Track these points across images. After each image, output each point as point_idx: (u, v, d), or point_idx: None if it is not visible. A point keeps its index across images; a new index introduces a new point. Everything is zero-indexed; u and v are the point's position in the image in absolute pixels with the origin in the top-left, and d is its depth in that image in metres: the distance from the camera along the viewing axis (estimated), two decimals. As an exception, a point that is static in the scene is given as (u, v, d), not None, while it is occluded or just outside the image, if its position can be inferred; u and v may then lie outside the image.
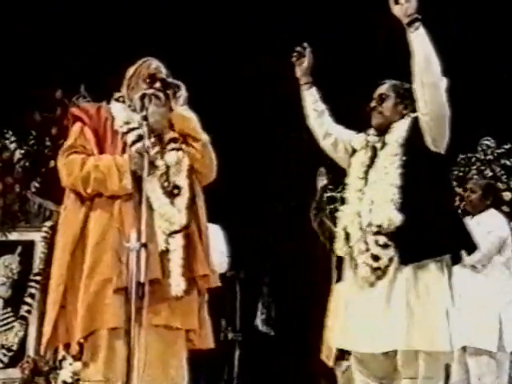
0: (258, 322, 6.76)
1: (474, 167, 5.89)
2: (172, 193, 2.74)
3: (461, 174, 5.84)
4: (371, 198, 3.01)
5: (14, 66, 5.78)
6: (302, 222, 5.01)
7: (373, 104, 3.19)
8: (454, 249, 3.01)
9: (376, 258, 2.94)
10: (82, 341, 2.69)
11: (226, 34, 5.95)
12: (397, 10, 2.94)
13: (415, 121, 3.06)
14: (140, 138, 2.72)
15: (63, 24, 5.90)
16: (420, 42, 2.92)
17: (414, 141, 3.02)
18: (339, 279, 3.35)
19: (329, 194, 4.82)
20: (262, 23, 5.95)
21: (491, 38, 5.82)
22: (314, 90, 3.33)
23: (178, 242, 2.71)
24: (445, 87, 2.99)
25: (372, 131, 3.21)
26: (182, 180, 2.79)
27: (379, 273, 2.94)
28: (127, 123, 2.81)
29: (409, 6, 2.91)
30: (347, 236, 3.07)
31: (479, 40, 5.85)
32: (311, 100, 3.31)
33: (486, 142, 5.98)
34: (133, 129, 2.79)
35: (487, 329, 4.34)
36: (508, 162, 5.88)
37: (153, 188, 2.71)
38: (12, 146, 5.59)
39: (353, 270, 3.06)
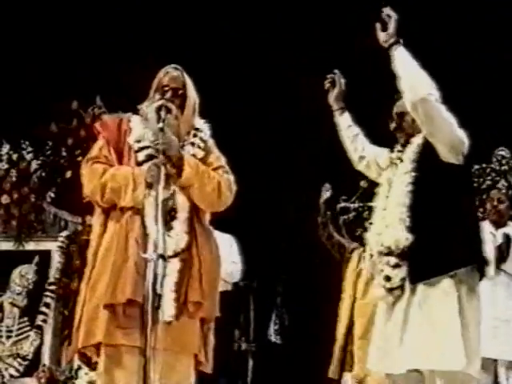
0: (271, 332, 6.75)
1: (489, 178, 5.86)
2: (170, 215, 2.69)
3: (475, 184, 5.82)
4: (385, 218, 3.02)
5: (31, 77, 5.83)
6: (315, 233, 5.01)
7: (393, 125, 3.16)
8: (464, 264, 2.95)
9: (388, 278, 2.93)
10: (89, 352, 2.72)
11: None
12: (380, 36, 2.99)
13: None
14: (150, 157, 2.74)
15: (79, 35, 5.96)
16: (401, 62, 2.94)
17: (427, 155, 2.99)
18: None
19: (342, 205, 4.82)
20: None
21: (506, 47, 5.81)
22: (346, 114, 3.35)
23: (173, 267, 2.66)
24: (437, 98, 2.95)
25: (397, 147, 3.17)
26: (181, 201, 2.74)
27: (396, 293, 2.93)
28: (138, 141, 2.82)
29: (389, 31, 2.96)
30: (371, 257, 3.06)
31: (493, 49, 5.84)
32: (345, 126, 3.34)
33: (501, 153, 5.95)
34: (143, 148, 2.80)
35: None
36: (523, 173, 5.86)
37: (148, 212, 2.69)
38: (28, 157, 5.64)
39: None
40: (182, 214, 2.74)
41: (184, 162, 2.75)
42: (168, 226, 2.67)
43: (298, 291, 6.63)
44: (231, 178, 2.90)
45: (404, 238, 2.91)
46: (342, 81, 3.35)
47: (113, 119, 2.97)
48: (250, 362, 5.63)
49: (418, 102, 2.90)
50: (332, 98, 3.37)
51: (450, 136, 2.95)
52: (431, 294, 2.89)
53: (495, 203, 4.56)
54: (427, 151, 2.99)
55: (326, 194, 4.62)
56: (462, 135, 3.00)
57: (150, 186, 2.69)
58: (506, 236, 4.42)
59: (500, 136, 5.82)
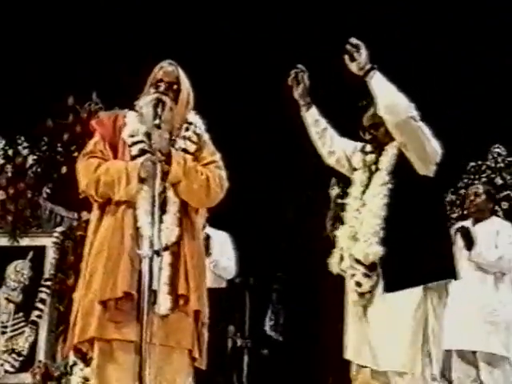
0: (267, 328, 6.76)
1: (484, 175, 5.87)
2: (160, 210, 2.67)
3: (471, 181, 5.83)
4: (357, 229, 3.06)
5: (27, 73, 5.82)
6: (312, 229, 5.01)
7: (368, 137, 3.18)
8: (436, 277, 3.04)
9: (359, 284, 3.04)
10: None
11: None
12: (352, 67, 3.01)
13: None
14: (142, 152, 2.75)
15: (76, 31, 5.95)
16: (379, 88, 2.97)
17: (402, 167, 3.04)
18: None
19: (340, 201, 4.82)
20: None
21: (503, 45, 5.82)
22: (313, 109, 3.33)
23: (165, 260, 2.66)
24: (417, 117, 3.00)
25: (369, 148, 3.21)
26: (171, 196, 2.75)
27: (367, 297, 3.03)
28: (132, 136, 2.83)
29: (360, 60, 2.97)
30: (341, 258, 3.12)
31: (488, 49, 5.85)
32: (311, 121, 3.32)
33: (497, 150, 5.96)
34: (136, 142, 2.80)
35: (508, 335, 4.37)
36: (519, 170, 5.87)
37: (140, 206, 2.70)
38: (24, 152, 5.63)
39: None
40: (173, 207, 2.75)
41: (171, 159, 2.75)
42: (158, 219, 2.66)
43: (294, 288, 6.64)
44: (223, 173, 2.89)
45: (375, 251, 2.98)
46: (306, 76, 3.30)
47: (108, 116, 2.97)
48: (246, 358, 5.64)
49: (401, 123, 2.97)
50: (297, 93, 3.32)
51: (428, 150, 3.02)
52: (399, 303, 2.97)
53: (472, 197, 4.59)
54: (402, 163, 3.05)
55: (335, 188, 4.61)
56: (437, 147, 3.07)
57: (142, 180, 2.70)
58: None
59: (496, 133, 5.83)
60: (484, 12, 5.82)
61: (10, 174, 5.57)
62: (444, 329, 3.04)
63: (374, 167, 3.13)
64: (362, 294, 3.04)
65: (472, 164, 5.92)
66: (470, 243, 4.35)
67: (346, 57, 3.00)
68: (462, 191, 5.53)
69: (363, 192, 3.12)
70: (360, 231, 3.04)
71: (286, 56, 5.73)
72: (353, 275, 3.06)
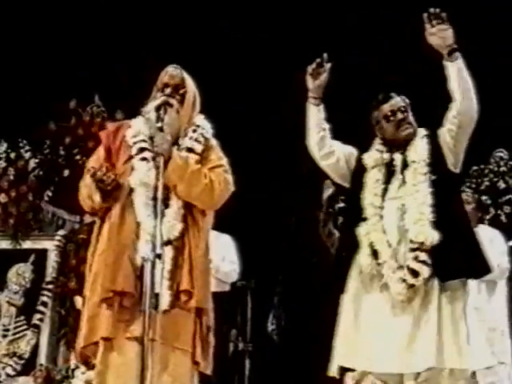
0: (269, 331, 6.74)
1: (487, 179, 5.87)
2: (163, 204, 2.70)
3: (473, 185, 5.82)
4: (405, 217, 3.02)
5: (29, 76, 5.83)
6: (314, 232, 5.00)
7: (401, 116, 3.16)
8: (484, 271, 3.04)
9: (416, 273, 2.94)
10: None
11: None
12: (433, 40, 2.96)
13: (433, 140, 3.10)
14: (141, 150, 2.79)
15: (78, 34, 5.95)
16: (458, 72, 2.96)
17: (437, 161, 3.07)
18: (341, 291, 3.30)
19: (341, 205, 4.81)
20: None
21: (506, 49, 5.81)
22: (322, 107, 3.23)
23: (167, 254, 2.67)
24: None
25: (382, 147, 3.21)
26: (173, 194, 2.78)
27: (412, 291, 2.95)
28: (134, 136, 2.86)
29: (447, 36, 2.93)
30: (375, 253, 3.05)
31: (492, 52, 5.85)
32: (318, 117, 3.22)
33: (500, 154, 5.96)
34: (138, 141, 2.84)
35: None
36: (521, 174, 5.87)
37: (139, 199, 2.74)
38: (26, 155, 5.64)
39: (379, 287, 3.04)
40: (176, 202, 2.77)
41: (170, 161, 2.76)
42: (155, 213, 2.68)
43: (296, 291, 6.63)
44: (229, 177, 2.90)
45: (433, 235, 2.94)
46: (328, 69, 3.14)
47: (113, 126, 3.03)
48: (248, 362, 5.63)
49: (469, 119, 3.03)
50: (314, 84, 3.16)
51: (462, 152, 3.11)
52: (445, 299, 2.94)
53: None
54: (437, 156, 3.07)
55: (329, 190, 4.60)
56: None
57: (107, 191, 2.73)
58: None
59: (498, 137, 5.82)
60: (483, 17, 5.82)
61: (12, 177, 5.58)
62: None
63: (398, 163, 3.12)
64: (411, 286, 2.93)
65: (474, 168, 5.92)
66: None
67: (430, 27, 2.91)
68: (484, 196, 5.54)
69: (385, 189, 3.09)
70: (408, 219, 2.99)
71: (286, 56, 5.76)
72: (401, 267, 2.94)
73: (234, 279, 4.95)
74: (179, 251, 2.73)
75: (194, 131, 2.90)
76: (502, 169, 5.91)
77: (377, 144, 3.24)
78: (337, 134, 3.31)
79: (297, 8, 5.95)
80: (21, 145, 5.67)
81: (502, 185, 5.86)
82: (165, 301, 2.64)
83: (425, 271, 2.93)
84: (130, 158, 2.83)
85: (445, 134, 3.09)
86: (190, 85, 2.94)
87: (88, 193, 2.80)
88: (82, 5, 5.98)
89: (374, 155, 3.19)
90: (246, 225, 5.90)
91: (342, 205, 4.79)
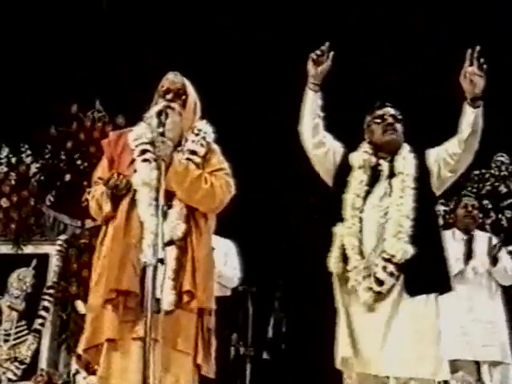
0: (270, 336, 6.74)
1: (488, 183, 5.87)
2: (166, 204, 2.71)
3: (474, 190, 5.82)
4: (386, 226, 3.06)
5: (30, 80, 5.84)
6: (314, 237, 5.00)
7: (389, 121, 3.22)
8: (448, 289, 3.10)
9: (381, 283, 3.01)
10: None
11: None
12: (464, 81, 3.04)
13: (420, 158, 3.17)
14: (143, 152, 2.82)
15: (79, 39, 5.97)
16: (475, 118, 3.06)
17: (423, 179, 3.12)
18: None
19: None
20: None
21: (504, 54, 5.82)
22: (320, 94, 3.23)
23: (170, 254, 2.68)
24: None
25: (368, 149, 3.24)
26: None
27: (379, 298, 3.01)
28: (136, 139, 2.89)
29: (479, 84, 3.02)
30: (344, 257, 3.10)
31: (492, 56, 5.85)
32: (316, 103, 3.21)
33: (501, 158, 5.97)
34: (139, 144, 2.87)
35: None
36: (523, 179, 5.87)
37: (143, 200, 2.76)
38: (28, 160, 5.64)
39: (348, 291, 3.11)
40: (178, 203, 2.80)
41: (170, 168, 2.78)
42: (163, 213, 2.68)
43: (297, 296, 6.62)
44: (231, 180, 2.94)
45: (407, 249, 2.99)
46: (331, 58, 3.17)
47: (114, 134, 3.06)
48: (248, 367, 5.62)
49: (469, 158, 3.15)
50: (315, 71, 3.16)
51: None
52: (414, 306, 2.98)
53: (469, 209, 4.65)
54: (423, 173, 3.13)
55: None
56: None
57: (116, 197, 2.77)
58: (489, 239, 4.53)
59: (499, 142, 5.83)
60: (491, 20, 5.84)
61: (13, 182, 5.58)
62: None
63: (384, 170, 3.16)
64: (378, 294, 3.00)
65: (476, 172, 5.92)
66: (495, 258, 4.40)
67: (469, 68, 3.00)
68: (486, 201, 5.56)
69: (367, 191, 3.12)
70: (388, 229, 3.03)
71: (286, 56, 5.76)
72: (369, 275, 3.00)
73: (236, 284, 4.95)
74: (182, 252, 2.75)
75: (197, 135, 2.94)
76: (503, 173, 5.91)
77: (364, 146, 3.28)
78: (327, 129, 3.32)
79: (297, 8, 5.96)
80: (22, 149, 5.67)
81: (503, 189, 5.87)
82: (168, 301, 2.66)
83: (389, 281, 3.00)
84: (133, 160, 2.86)
85: (439, 161, 3.15)
86: (191, 90, 2.98)
87: (98, 204, 2.84)
88: (84, 9, 6.00)
89: (362, 156, 3.22)
90: (246, 230, 5.90)
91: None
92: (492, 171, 5.93)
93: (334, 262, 3.13)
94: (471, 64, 3.02)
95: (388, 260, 3.00)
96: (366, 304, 3.02)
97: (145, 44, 5.96)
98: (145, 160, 2.81)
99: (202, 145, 2.92)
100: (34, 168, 5.63)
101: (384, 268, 2.99)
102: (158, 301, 2.49)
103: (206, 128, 2.98)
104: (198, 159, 2.88)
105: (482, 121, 3.07)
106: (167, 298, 2.65)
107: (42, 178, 5.59)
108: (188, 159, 2.85)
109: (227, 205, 2.98)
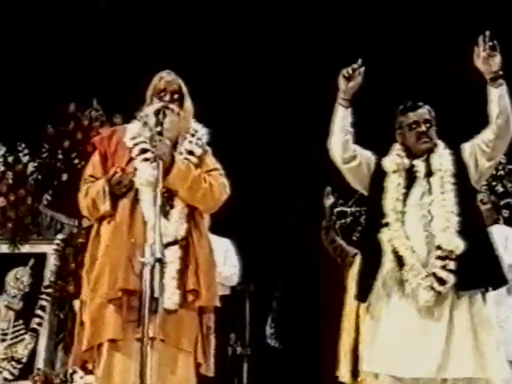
0: (267, 336, 6.74)
1: (485, 183, 5.88)
2: (167, 204, 2.76)
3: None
4: (432, 224, 3.04)
5: (28, 79, 5.83)
6: (313, 237, 5.00)
7: (422, 129, 3.19)
8: (503, 282, 3.09)
9: (443, 281, 2.97)
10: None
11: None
12: (480, 64, 3.03)
13: (456, 153, 3.15)
14: (143, 151, 2.82)
15: (77, 38, 5.96)
16: (500, 98, 3.04)
17: (461, 173, 3.11)
18: (363, 298, 3.28)
19: (339, 209, 4.81)
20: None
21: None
22: (350, 110, 3.21)
23: (174, 254, 2.71)
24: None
25: (402, 153, 3.22)
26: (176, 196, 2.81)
27: (439, 298, 2.98)
28: (133, 138, 2.89)
29: (494, 63, 3.01)
30: (399, 259, 3.05)
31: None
32: (346, 120, 3.20)
33: (498, 158, 5.97)
34: (137, 143, 2.87)
35: None
36: (519, 178, 5.88)
37: (145, 199, 2.76)
38: (25, 159, 5.63)
39: (404, 294, 3.04)
40: (179, 202, 2.81)
41: (174, 167, 2.79)
42: (165, 212, 2.74)
43: (295, 295, 6.62)
44: (226, 181, 2.96)
45: (461, 244, 2.98)
46: (362, 74, 3.16)
47: (107, 131, 3.07)
48: (246, 366, 5.62)
49: (505, 144, 3.13)
50: (347, 86, 3.16)
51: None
52: (472, 307, 2.98)
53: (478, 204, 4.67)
54: (461, 169, 3.12)
55: (330, 198, 4.60)
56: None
57: (118, 194, 2.77)
58: None
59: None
60: (487, 21, 5.83)
61: (10, 181, 5.57)
62: None
63: (421, 171, 3.14)
64: (439, 293, 2.96)
65: (473, 172, 5.92)
66: None
67: (481, 50, 3.00)
68: None
69: (405, 194, 3.11)
70: (436, 226, 3.01)
71: (286, 56, 5.76)
72: (427, 275, 2.96)
73: (235, 283, 4.95)
74: (185, 251, 2.76)
75: (193, 135, 2.96)
76: (500, 173, 5.92)
77: (396, 149, 3.25)
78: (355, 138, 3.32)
79: (297, 8, 5.95)
80: (19, 149, 5.66)
81: (500, 189, 5.87)
82: (174, 300, 2.67)
83: (451, 279, 2.96)
84: (131, 159, 2.85)
85: (476, 152, 3.13)
86: (186, 91, 2.98)
87: (92, 202, 2.82)
88: (82, 8, 5.99)
89: (395, 160, 3.20)
90: (245, 229, 5.90)
91: (340, 209, 4.79)
92: (489, 171, 5.94)
93: (389, 266, 3.06)
94: (484, 49, 3.01)
95: (445, 257, 2.97)
96: (427, 303, 2.96)
97: (144, 43, 5.95)
98: (146, 159, 2.81)
99: (198, 145, 2.94)
100: (31, 167, 5.61)
101: (444, 266, 2.96)
102: (156, 300, 2.49)
103: (201, 129, 3.00)
104: (195, 159, 2.89)
105: (508, 99, 3.04)
106: (172, 298, 2.66)
107: (39, 177, 5.58)
108: (186, 159, 2.86)
109: (226, 204, 2.99)
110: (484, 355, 2.92)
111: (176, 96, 2.91)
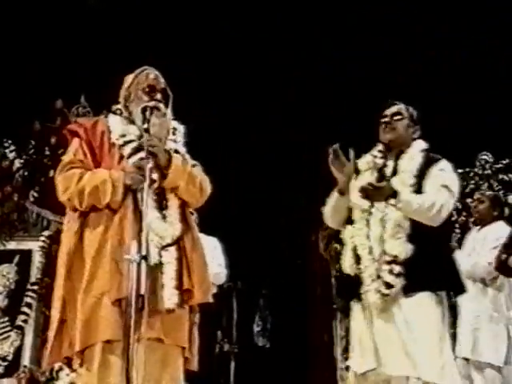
0: (255, 333, 6.75)
1: (473, 182, 5.91)
2: (162, 205, 2.74)
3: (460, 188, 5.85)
4: (384, 227, 3.06)
5: (15, 75, 5.79)
6: (301, 235, 5.01)
7: (386, 119, 3.23)
8: (450, 286, 3.10)
9: (389, 285, 3.00)
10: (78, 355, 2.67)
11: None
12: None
13: (428, 159, 3.15)
14: (136, 150, 2.76)
15: (64, 34, 5.92)
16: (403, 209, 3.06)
17: (421, 176, 3.10)
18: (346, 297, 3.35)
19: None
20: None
21: (491, 55, 5.85)
22: (346, 197, 3.19)
23: (171, 255, 2.70)
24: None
25: (377, 153, 3.25)
26: (171, 196, 2.79)
27: (389, 300, 3.00)
28: (123, 136, 2.83)
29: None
30: (357, 258, 3.09)
31: (477, 56, 5.88)
32: (339, 205, 3.22)
33: (485, 157, 6.00)
34: (129, 141, 2.81)
35: (495, 343, 4.38)
36: (506, 177, 5.90)
37: (145, 197, 2.67)
38: (11, 155, 5.60)
39: (361, 293, 3.10)
40: (174, 202, 2.79)
41: (171, 165, 2.77)
42: (162, 214, 2.73)
43: (282, 293, 6.63)
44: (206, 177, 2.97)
45: (408, 248, 2.99)
46: (353, 160, 3.15)
47: (88, 120, 2.99)
48: (233, 364, 5.62)
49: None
50: (339, 177, 3.18)
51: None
52: (418, 308, 2.98)
53: (475, 203, 4.70)
54: (425, 169, 3.11)
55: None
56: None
57: (128, 188, 2.71)
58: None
59: (483, 141, 5.87)
60: (475, 18, 5.86)
61: (-4, 178, 5.54)
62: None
63: (389, 170, 3.17)
64: (385, 296, 2.99)
65: (460, 171, 5.94)
66: None
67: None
68: (469, 199, 5.57)
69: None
70: (387, 230, 3.04)
71: (286, 56, 5.76)
72: (378, 277, 3.00)
73: (222, 281, 4.95)
74: (180, 251, 2.75)
75: (174, 134, 2.94)
76: (487, 172, 5.95)
77: (375, 148, 3.29)
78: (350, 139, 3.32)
79: (297, 8, 5.95)
80: (5, 145, 5.62)
81: (486, 188, 5.90)
82: (173, 300, 2.66)
83: (398, 283, 2.99)
84: (122, 157, 2.79)
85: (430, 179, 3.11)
86: (168, 88, 2.95)
87: (97, 190, 2.69)
88: (70, 7, 5.96)
89: (367, 158, 3.25)
90: (233, 227, 5.90)
91: None
92: (476, 170, 5.97)
93: (348, 265, 3.12)
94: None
95: (392, 262, 3.00)
96: (374, 305, 3.02)
97: (134, 40, 5.92)
98: (141, 158, 2.73)
99: (181, 144, 2.92)
100: (17, 163, 5.58)
101: (390, 271, 2.99)
102: (142, 297, 2.47)
103: (180, 127, 2.98)
104: (181, 158, 2.86)
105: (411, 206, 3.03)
106: (172, 299, 2.65)
107: (26, 173, 5.55)
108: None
109: (213, 202, 2.99)
110: (415, 355, 2.92)
111: (163, 95, 2.87)
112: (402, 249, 2.99)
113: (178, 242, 2.74)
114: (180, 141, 2.93)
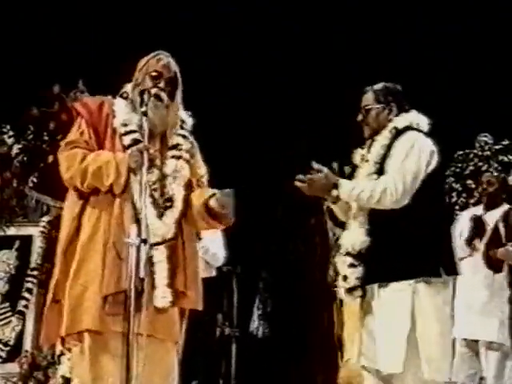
0: (255, 317, 6.77)
1: (472, 163, 5.91)
2: (164, 204, 2.70)
3: (458, 170, 5.85)
4: (349, 221, 3.05)
5: (13, 60, 5.77)
6: (301, 220, 5.01)
7: (359, 118, 3.17)
8: (418, 274, 2.94)
9: (344, 278, 2.98)
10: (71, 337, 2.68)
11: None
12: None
13: (396, 132, 3.04)
14: (136, 142, 2.71)
15: (62, 19, 5.90)
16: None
17: (386, 156, 3.01)
18: None
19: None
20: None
21: (489, 35, 5.83)
22: (339, 204, 3.15)
23: (162, 253, 2.67)
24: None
25: (366, 143, 3.21)
26: (177, 191, 2.75)
27: (356, 294, 2.98)
28: (125, 125, 2.77)
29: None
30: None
31: (474, 39, 5.86)
32: (339, 210, 3.19)
33: (484, 139, 6.00)
34: (130, 132, 2.76)
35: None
36: (505, 159, 5.90)
37: (137, 197, 2.67)
38: (10, 141, 5.58)
39: None
40: (178, 204, 2.74)
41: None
42: (159, 212, 2.68)
43: (282, 277, 6.65)
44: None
45: (361, 240, 2.94)
46: (326, 172, 3.03)
47: (94, 100, 2.90)
48: (234, 347, 5.65)
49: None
50: (323, 194, 3.10)
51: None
52: (387, 300, 2.93)
53: (485, 186, 4.66)
54: (390, 151, 3.01)
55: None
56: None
57: (133, 171, 2.67)
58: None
59: (482, 122, 5.86)
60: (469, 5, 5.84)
61: (-5, 164, 5.53)
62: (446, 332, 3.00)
63: (364, 158, 3.14)
64: (349, 290, 2.97)
65: (459, 153, 5.94)
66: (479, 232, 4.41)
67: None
68: (469, 181, 5.55)
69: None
70: (349, 222, 3.03)
71: (286, 56, 5.74)
72: (338, 271, 3.03)
73: (221, 262, 4.95)
74: (174, 251, 2.72)
75: (182, 128, 2.88)
76: (487, 153, 5.94)
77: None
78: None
79: (297, 7, 5.93)
80: (4, 130, 5.60)
81: (486, 169, 5.90)
82: (165, 299, 2.65)
83: (351, 274, 2.94)
84: (124, 147, 2.75)
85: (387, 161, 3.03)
86: (180, 81, 2.85)
87: (97, 169, 2.65)
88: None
89: (358, 152, 3.21)
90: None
91: None
92: (475, 151, 5.97)
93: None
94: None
95: (346, 254, 2.97)
96: (344, 299, 3.05)
97: (131, 27, 5.90)
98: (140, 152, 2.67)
99: (187, 139, 2.86)
100: (16, 149, 5.56)
101: (343, 262, 2.97)
102: (142, 280, 2.46)
103: (188, 119, 2.91)
104: (186, 155, 2.81)
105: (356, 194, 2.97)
106: (165, 297, 2.65)
107: (25, 159, 5.54)
108: (179, 157, 2.79)
109: (215, 187, 2.95)
110: (379, 348, 2.91)
111: (170, 85, 2.78)
112: (353, 242, 2.95)
113: (171, 242, 2.71)
114: (187, 136, 2.86)
